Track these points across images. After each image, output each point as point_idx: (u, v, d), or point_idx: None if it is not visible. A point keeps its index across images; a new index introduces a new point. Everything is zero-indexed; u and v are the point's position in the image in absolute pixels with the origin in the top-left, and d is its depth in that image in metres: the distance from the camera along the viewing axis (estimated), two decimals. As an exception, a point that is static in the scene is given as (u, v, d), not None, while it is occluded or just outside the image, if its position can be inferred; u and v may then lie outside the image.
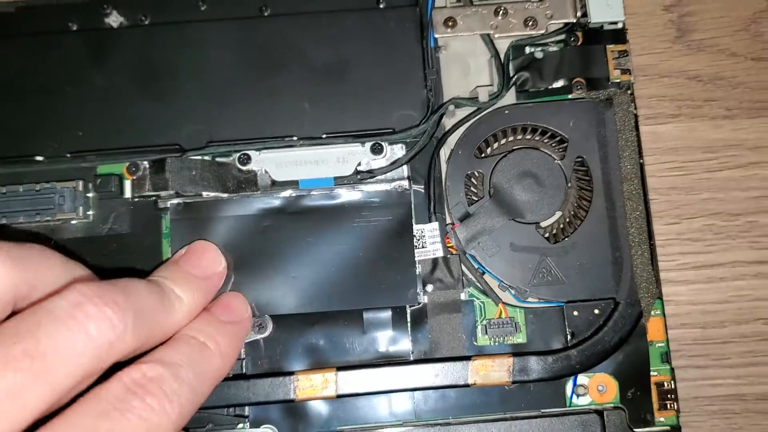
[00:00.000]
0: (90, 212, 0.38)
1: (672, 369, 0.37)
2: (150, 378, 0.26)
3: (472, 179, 0.38)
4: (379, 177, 0.38)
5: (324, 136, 0.38)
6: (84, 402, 0.25)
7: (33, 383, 0.23)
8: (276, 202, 0.38)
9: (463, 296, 0.37)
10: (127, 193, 0.38)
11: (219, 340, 0.30)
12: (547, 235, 0.38)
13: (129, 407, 0.25)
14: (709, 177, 0.42)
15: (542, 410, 0.36)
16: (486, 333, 0.37)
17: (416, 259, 0.37)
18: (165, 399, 0.26)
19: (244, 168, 0.38)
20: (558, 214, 0.38)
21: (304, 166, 0.38)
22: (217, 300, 0.33)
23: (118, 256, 0.38)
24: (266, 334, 0.37)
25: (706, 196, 0.41)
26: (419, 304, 0.37)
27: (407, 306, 0.37)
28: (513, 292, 0.37)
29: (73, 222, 0.38)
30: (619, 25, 0.39)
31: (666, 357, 0.37)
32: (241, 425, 0.36)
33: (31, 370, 0.23)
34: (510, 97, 0.39)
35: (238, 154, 0.38)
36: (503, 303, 0.37)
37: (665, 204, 0.41)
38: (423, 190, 0.38)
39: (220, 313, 0.32)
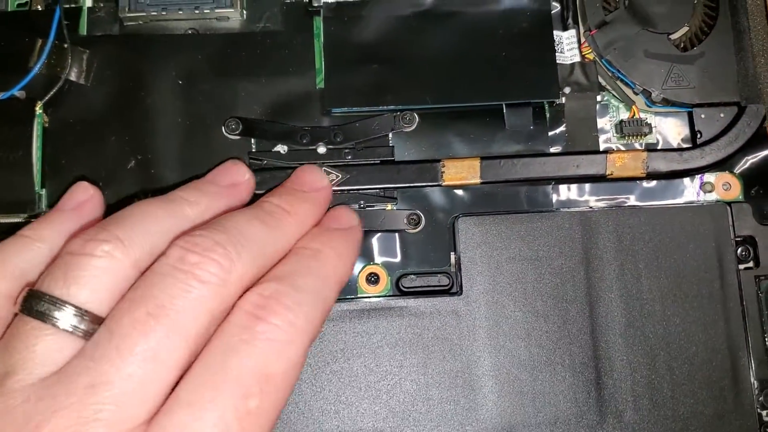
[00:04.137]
0: (245, 10, 0.40)
1: (790, 169, 0.39)
2: (267, 296, 0.26)
3: (608, -9, 0.41)
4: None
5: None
6: (212, 342, 0.26)
7: (165, 339, 0.25)
8: (425, 2, 0.40)
9: (598, 98, 0.40)
10: (282, -7, 0.40)
11: (333, 245, 0.30)
12: (677, 44, 0.40)
13: (254, 334, 0.25)
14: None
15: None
16: (620, 132, 0.39)
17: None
18: (287, 312, 0.26)
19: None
20: (686, 27, 0.40)
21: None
22: (326, 213, 0.33)
23: (270, 52, 0.40)
24: (413, 127, 0.39)
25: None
26: (558, 101, 0.39)
27: (545, 102, 0.39)
28: (645, 96, 0.39)
29: (230, 18, 0.40)
30: None
31: (785, 160, 0.40)
32: (390, 206, 0.38)
33: (158, 327, 0.25)
34: None
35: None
36: (636, 106, 0.40)
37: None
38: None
39: (329, 223, 0.32)
